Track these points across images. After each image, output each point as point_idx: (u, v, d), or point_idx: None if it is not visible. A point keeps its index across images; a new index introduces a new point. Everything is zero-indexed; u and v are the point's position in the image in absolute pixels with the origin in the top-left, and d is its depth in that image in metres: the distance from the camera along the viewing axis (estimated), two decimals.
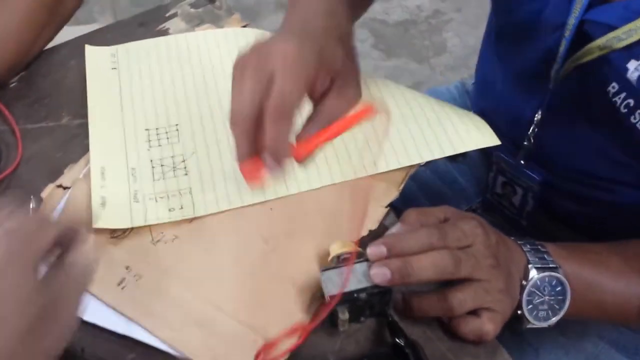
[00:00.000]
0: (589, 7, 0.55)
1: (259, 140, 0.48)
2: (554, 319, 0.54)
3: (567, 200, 0.70)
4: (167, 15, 0.77)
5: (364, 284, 0.50)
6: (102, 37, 0.74)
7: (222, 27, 0.75)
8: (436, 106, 0.65)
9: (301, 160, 0.51)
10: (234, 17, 0.76)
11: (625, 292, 0.57)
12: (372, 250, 0.50)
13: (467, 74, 2.04)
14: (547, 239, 0.78)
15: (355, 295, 0.50)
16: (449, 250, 0.50)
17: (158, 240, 0.57)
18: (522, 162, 0.69)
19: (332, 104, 0.52)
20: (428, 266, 0.49)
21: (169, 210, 0.58)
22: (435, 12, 2.14)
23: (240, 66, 0.50)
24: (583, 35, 0.56)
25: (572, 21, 0.56)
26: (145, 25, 0.76)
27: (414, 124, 0.63)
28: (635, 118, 0.56)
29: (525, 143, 0.68)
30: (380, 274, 0.49)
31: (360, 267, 0.51)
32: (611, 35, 0.52)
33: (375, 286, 0.50)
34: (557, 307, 0.54)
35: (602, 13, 0.54)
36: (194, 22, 0.76)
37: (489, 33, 0.74)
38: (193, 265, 0.55)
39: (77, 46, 0.73)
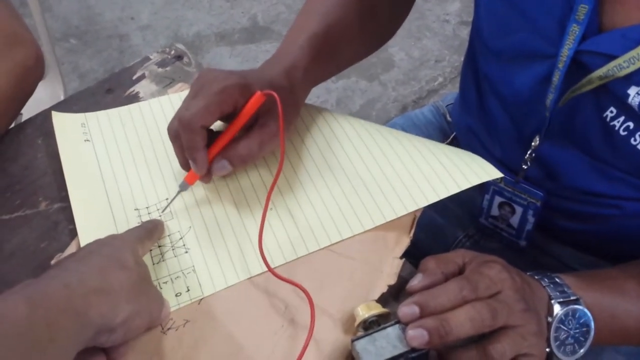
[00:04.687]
0: (582, 38, 0.54)
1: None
2: (581, 351, 0.53)
3: (569, 219, 0.69)
4: (134, 77, 0.73)
5: (400, 349, 0.47)
6: (68, 110, 0.69)
7: None
8: (431, 146, 0.64)
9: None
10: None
11: None
12: (403, 312, 0.48)
13: (417, 86, 2.06)
14: (549, 259, 0.78)
15: None
16: (482, 301, 0.48)
17: (169, 328, 0.53)
18: (522, 179, 0.68)
19: (254, 133, 0.59)
20: (465, 322, 0.47)
21: (176, 295, 0.54)
22: None
23: (193, 83, 0.60)
24: (578, 66, 0.56)
25: (566, 52, 0.55)
26: (113, 91, 0.71)
27: (414, 167, 0.61)
28: (635, 140, 0.55)
29: (524, 166, 0.67)
30: (418, 337, 0.46)
31: (393, 330, 0.48)
32: (612, 64, 0.52)
33: (413, 349, 0.47)
34: (582, 339, 0.53)
35: (600, 43, 0.53)
36: (165, 83, 0.72)
37: (472, 56, 0.73)
38: (209, 350, 0.52)
39: (42, 122, 0.68)
